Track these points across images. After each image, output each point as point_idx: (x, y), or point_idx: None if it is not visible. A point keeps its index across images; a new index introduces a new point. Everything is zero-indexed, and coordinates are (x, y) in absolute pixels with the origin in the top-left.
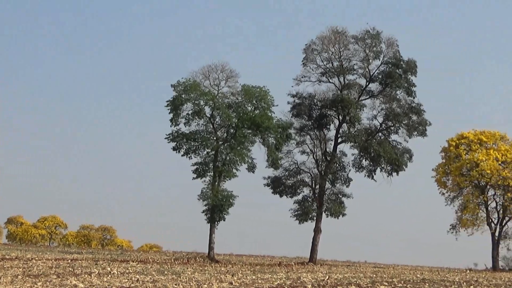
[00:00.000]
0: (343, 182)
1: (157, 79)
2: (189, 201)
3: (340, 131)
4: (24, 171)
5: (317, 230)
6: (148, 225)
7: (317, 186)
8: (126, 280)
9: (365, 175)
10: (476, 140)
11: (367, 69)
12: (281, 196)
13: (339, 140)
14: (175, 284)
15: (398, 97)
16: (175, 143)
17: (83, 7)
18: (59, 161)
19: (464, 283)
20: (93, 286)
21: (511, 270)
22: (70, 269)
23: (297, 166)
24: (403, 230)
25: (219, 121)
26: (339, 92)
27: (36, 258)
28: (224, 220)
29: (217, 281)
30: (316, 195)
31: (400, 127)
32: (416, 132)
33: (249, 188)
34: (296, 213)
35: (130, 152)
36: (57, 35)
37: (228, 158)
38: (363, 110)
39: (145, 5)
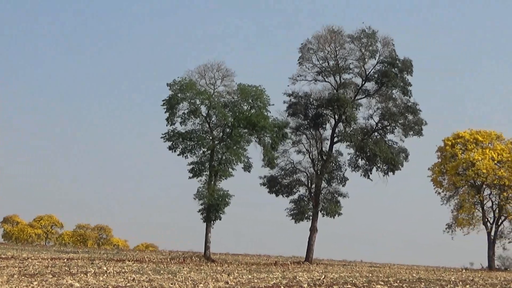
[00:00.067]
0: (339, 181)
1: (157, 79)
2: (185, 200)
3: (336, 130)
4: (21, 170)
5: (313, 230)
6: (144, 225)
7: (313, 186)
8: (122, 280)
9: (361, 175)
10: (472, 140)
11: (363, 68)
12: (277, 195)
13: (335, 139)
14: (171, 284)
15: (394, 96)
16: (171, 142)
17: (83, 7)
18: (55, 160)
19: (460, 283)
20: (89, 285)
21: (507, 269)
22: (66, 268)
23: (293, 165)
24: (399, 229)
25: (215, 120)
26: (335, 91)
27: (32, 258)
28: (220, 220)
29: (213, 280)
30: (312, 194)
31: (396, 127)
32: (412, 132)
33: (245, 188)
34: (292, 212)
35: (126, 151)
36: (57, 35)
37: (224, 157)
38: (359, 109)
39: (145, 5)
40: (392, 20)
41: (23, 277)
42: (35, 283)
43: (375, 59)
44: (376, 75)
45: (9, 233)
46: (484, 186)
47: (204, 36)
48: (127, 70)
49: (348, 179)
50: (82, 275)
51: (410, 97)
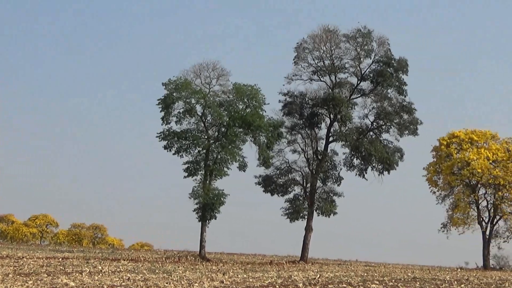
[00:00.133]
0: (334, 180)
1: (156, 79)
2: (181, 199)
3: (331, 129)
4: (16, 170)
5: (308, 229)
6: (139, 224)
7: (308, 185)
8: (117, 279)
9: (356, 174)
10: (467, 139)
11: (358, 68)
12: (272, 194)
13: (330, 138)
14: (166, 283)
15: (389, 95)
16: (166, 141)
17: (83, 7)
18: (50, 160)
19: (455, 282)
20: (84, 285)
21: (502, 268)
22: (61, 267)
23: (288, 164)
24: (394, 229)
25: (210, 120)
26: (330, 90)
27: (27, 257)
28: (215, 219)
29: (208, 279)
30: (307, 193)
31: (391, 126)
32: (407, 131)
33: (240, 187)
34: (287, 211)
35: (122, 151)
36: (57, 35)
37: (219, 156)
38: (354, 108)
39: (145, 5)
40: (392, 20)
41: (18, 277)
42: (30, 282)
43: (370, 59)
44: (371, 75)
45: (4, 232)
46: (479, 185)
47: (204, 36)
48: (127, 70)
49: (343, 179)
50: (77, 274)
51: (405, 96)
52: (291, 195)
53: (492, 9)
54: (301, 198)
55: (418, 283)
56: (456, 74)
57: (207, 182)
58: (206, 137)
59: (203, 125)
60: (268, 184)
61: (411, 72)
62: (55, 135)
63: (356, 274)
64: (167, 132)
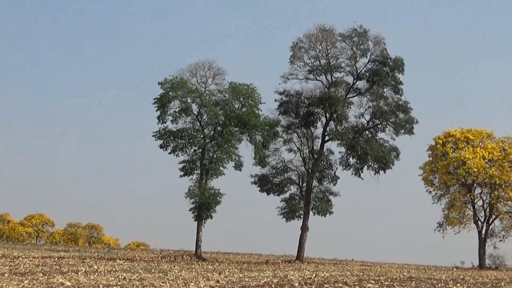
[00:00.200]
0: (330, 180)
1: (156, 79)
2: (177, 199)
3: (327, 129)
4: (12, 170)
5: (304, 228)
6: (135, 223)
7: (304, 184)
8: (113, 278)
9: (352, 173)
10: (463, 138)
11: (354, 67)
12: (268, 194)
13: (326, 138)
14: (162, 282)
15: (385, 95)
16: (162, 140)
17: (83, 7)
18: (47, 159)
19: (451, 281)
20: (80, 284)
21: (498, 268)
22: (57, 267)
23: (284, 164)
24: (390, 228)
25: (206, 119)
26: (326, 89)
27: (23, 256)
28: (211, 218)
29: (204, 279)
30: (303, 193)
31: (387, 125)
32: (403, 130)
33: (236, 186)
34: (283, 211)
35: (119, 151)
36: (57, 35)
37: (215, 156)
38: (350, 107)
39: (145, 5)
40: (392, 20)
41: (13, 276)
42: (25, 281)
43: (366, 58)
44: (367, 74)
45: None
46: (475, 184)
47: (204, 36)
48: (126, 70)
49: (339, 178)
50: (73, 273)
51: (401, 95)
52: (287, 195)
53: (492, 9)
54: (297, 198)
55: (414, 282)
56: (456, 74)
57: (203, 181)
58: (202, 136)
59: (199, 124)
60: (264, 184)
61: (411, 72)
62: (55, 135)
63: (352, 274)
64: (163, 131)
